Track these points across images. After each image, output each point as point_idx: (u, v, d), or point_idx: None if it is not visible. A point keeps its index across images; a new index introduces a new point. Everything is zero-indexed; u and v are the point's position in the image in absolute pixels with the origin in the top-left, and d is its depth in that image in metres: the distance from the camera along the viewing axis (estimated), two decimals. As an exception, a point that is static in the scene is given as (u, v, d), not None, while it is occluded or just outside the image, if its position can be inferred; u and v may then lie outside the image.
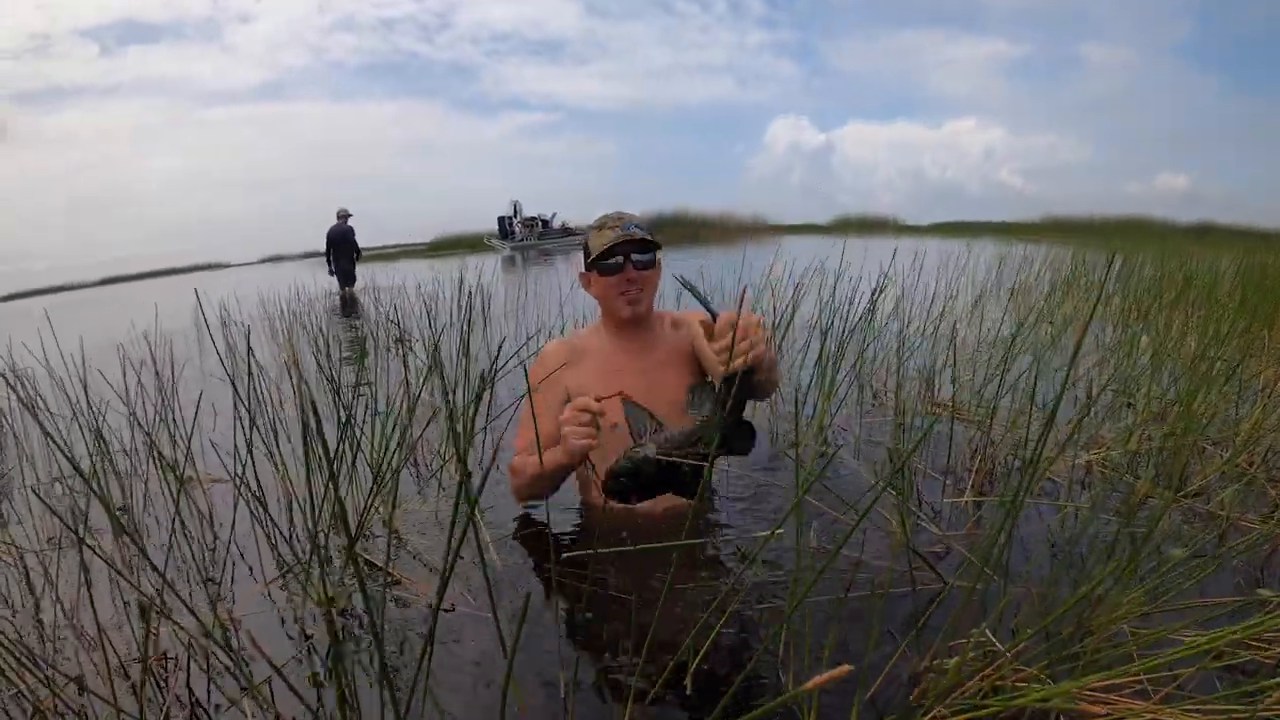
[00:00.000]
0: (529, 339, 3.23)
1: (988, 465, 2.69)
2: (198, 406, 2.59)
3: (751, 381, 1.70)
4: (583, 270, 2.30)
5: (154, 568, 1.64)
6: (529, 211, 32.19)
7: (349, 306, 11.91)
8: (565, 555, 2.18)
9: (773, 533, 1.33)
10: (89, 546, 1.57)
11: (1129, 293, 6.65)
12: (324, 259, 14.90)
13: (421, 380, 2.78)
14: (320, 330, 5.91)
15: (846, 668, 0.60)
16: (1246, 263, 7.71)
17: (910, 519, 2.03)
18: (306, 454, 1.88)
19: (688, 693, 1.52)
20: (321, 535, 2.21)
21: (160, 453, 2.59)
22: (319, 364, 3.55)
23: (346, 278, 14.68)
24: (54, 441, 2.25)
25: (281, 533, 2.29)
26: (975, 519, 2.38)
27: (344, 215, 14.87)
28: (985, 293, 6.30)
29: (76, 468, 1.84)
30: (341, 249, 14.71)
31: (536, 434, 1.82)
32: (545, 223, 32.00)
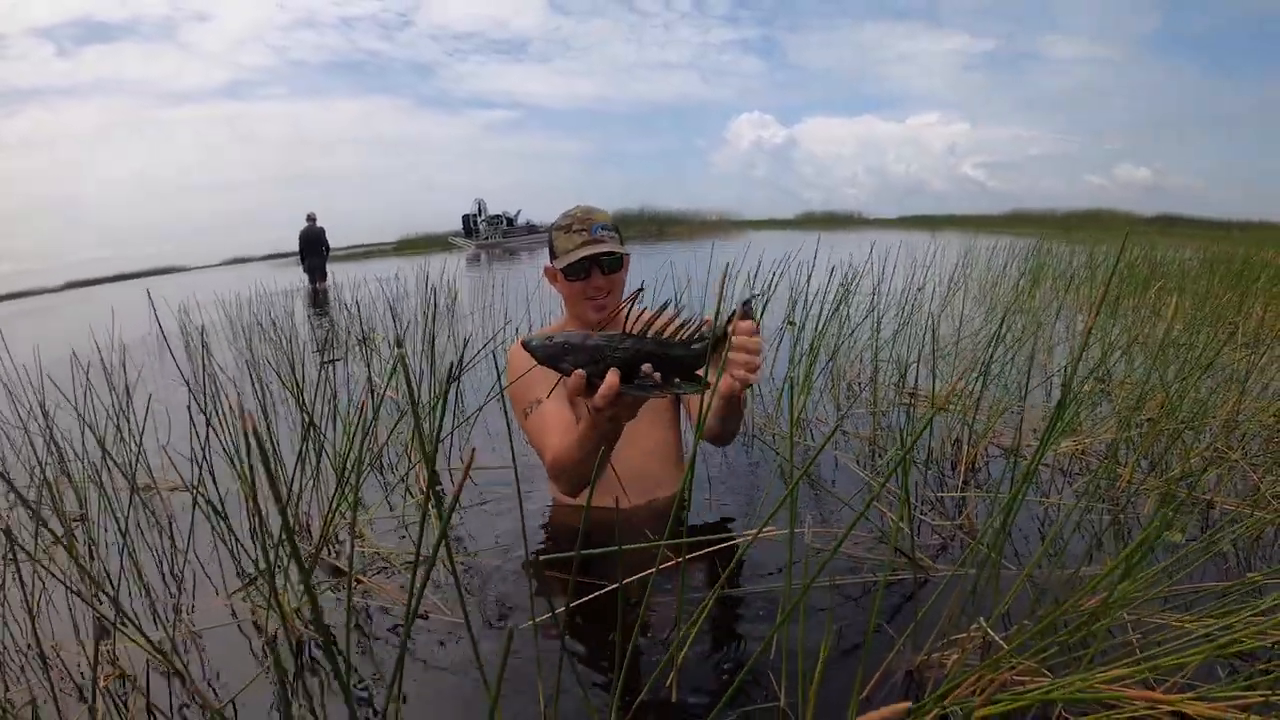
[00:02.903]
0: (496, 333, 3.16)
1: (971, 455, 2.65)
2: (148, 410, 2.49)
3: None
4: (548, 265, 2.22)
5: (97, 584, 1.55)
6: (494, 209, 32.15)
7: (319, 300, 12.53)
8: (544, 557, 2.12)
9: (759, 530, 1.27)
10: (37, 561, 1.49)
11: (1097, 282, 6.70)
12: (296, 259, 16.67)
13: (386, 378, 2.70)
14: (281, 332, 5.80)
15: (905, 705, 0.53)
16: (1210, 253, 7.80)
17: (905, 512, 1.98)
18: (264, 462, 1.80)
19: (673, 700, 1.47)
20: (282, 544, 2.13)
21: (114, 460, 2.49)
22: (279, 368, 3.47)
23: (317, 273, 16.09)
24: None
25: (240, 542, 2.20)
26: (961, 508, 2.34)
27: (312, 218, 16.37)
28: (954, 284, 6.30)
29: (9, 483, 1.75)
30: (313, 248, 16.21)
31: (506, 432, 1.74)
32: (510, 220, 32.00)
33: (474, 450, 1.14)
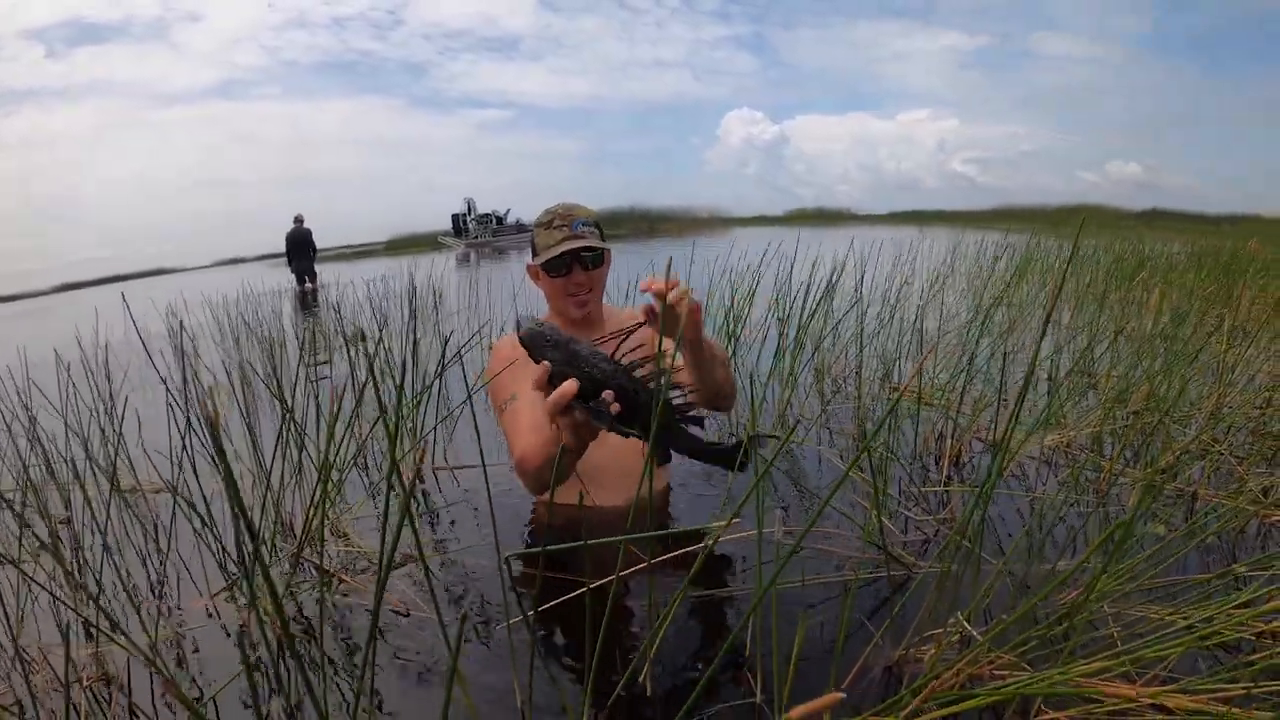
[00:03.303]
0: (479, 329, 3.15)
1: (954, 450, 2.65)
2: (124, 412, 2.47)
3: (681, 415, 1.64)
4: (530, 263, 2.22)
5: (96, 581, 1.54)
6: (483, 208, 32.12)
7: (306, 301, 12.63)
8: (513, 554, 2.12)
9: (729, 520, 1.26)
10: (18, 567, 1.48)
11: (1084, 276, 6.72)
12: (284, 260, 16.71)
13: (366, 377, 2.69)
14: (268, 332, 5.79)
15: (837, 696, 0.53)
16: (1199, 247, 7.83)
17: (881, 505, 1.98)
18: (225, 464, 1.77)
19: (647, 694, 1.47)
20: (264, 544, 2.12)
21: (97, 463, 2.49)
22: (263, 368, 3.46)
23: (305, 274, 16.26)
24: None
25: (221, 543, 2.19)
26: (943, 502, 2.35)
27: (300, 220, 16.48)
28: (941, 278, 6.31)
29: (16, 479, 1.74)
30: (300, 249, 16.34)
31: (473, 432, 1.74)
32: (499, 219, 31.98)
33: (423, 450, 1.13)
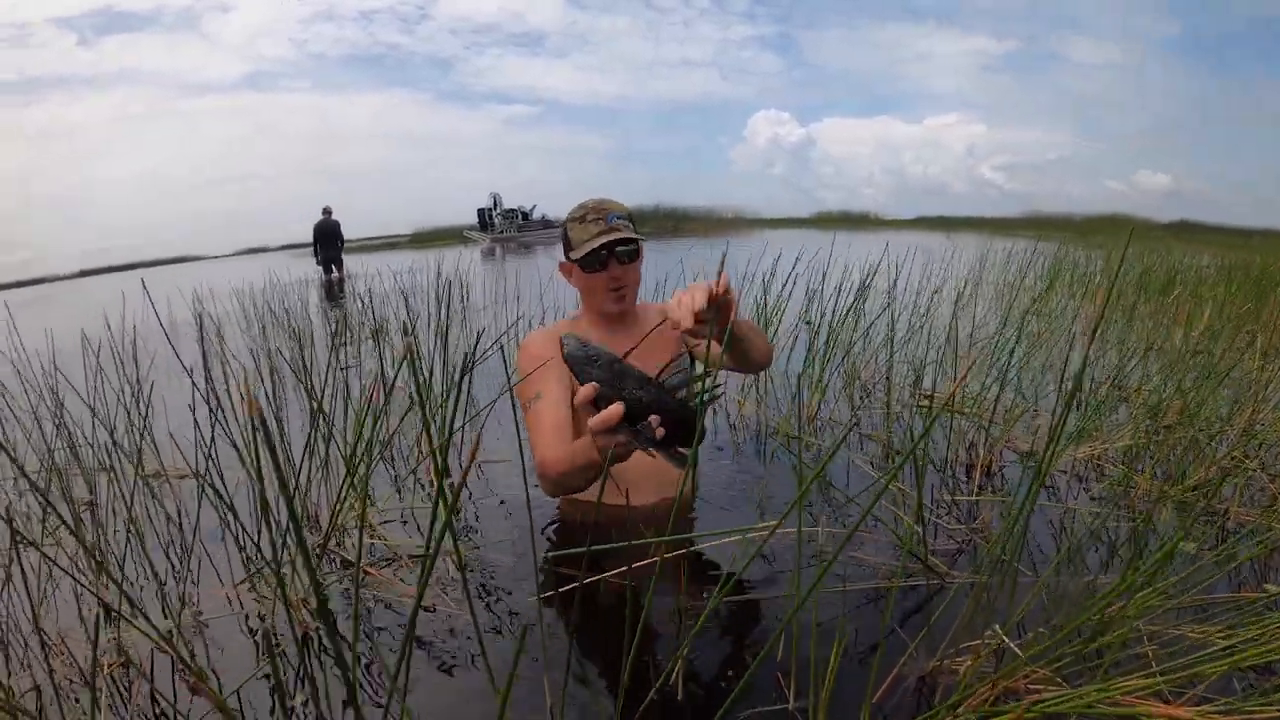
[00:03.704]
0: (510, 327, 3.14)
1: (986, 460, 2.62)
2: (150, 395, 2.47)
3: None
4: (563, 260, 2.19)
5: (104, 570, 1.53)
6: (509, 204, 32.06)
7: (333, 292, 12.68)
8: (554, 554, 2.10)
9: (774, 529, 1.24)
10: (41, 550, 1.47)
11: (1114, 287, 6.65)
12: (310, 251, 17.06)
13: (396, 370, 2.68)
14: (294, 321, 5.79)
15: None
16: (1228, 260, 7.74)
17: (920, 514, 1.95)
18: (270, 450, 1.76)
19: (678, 697, 1.45)
20: (290, 534, 2.11)
21: (121, 447, 2.48)
22: (290, 357, 3.46)
23: (332, 264, 16.53)
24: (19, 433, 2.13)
25: (247, 531, 2.18)
26: (973, 512, 2.32)
27: (328, 211, 16.82)
28: (970, 286, 6.26)
29: (21, 470, 1.74)
30: (328, 240, 16.67)
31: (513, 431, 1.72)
32: (525, 215, 31.89)
33: (479, 438, 1.12)
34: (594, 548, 1.08)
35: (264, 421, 0.96)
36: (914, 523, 1.95)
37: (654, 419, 1.48)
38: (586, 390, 1.47)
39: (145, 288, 2.82)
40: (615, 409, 1.45)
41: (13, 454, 1.88)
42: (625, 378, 1.49)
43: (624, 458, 1.55)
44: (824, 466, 1.20)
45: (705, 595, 1.78)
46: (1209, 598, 1.69)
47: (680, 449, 1.57)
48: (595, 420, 1.47)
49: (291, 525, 0.93)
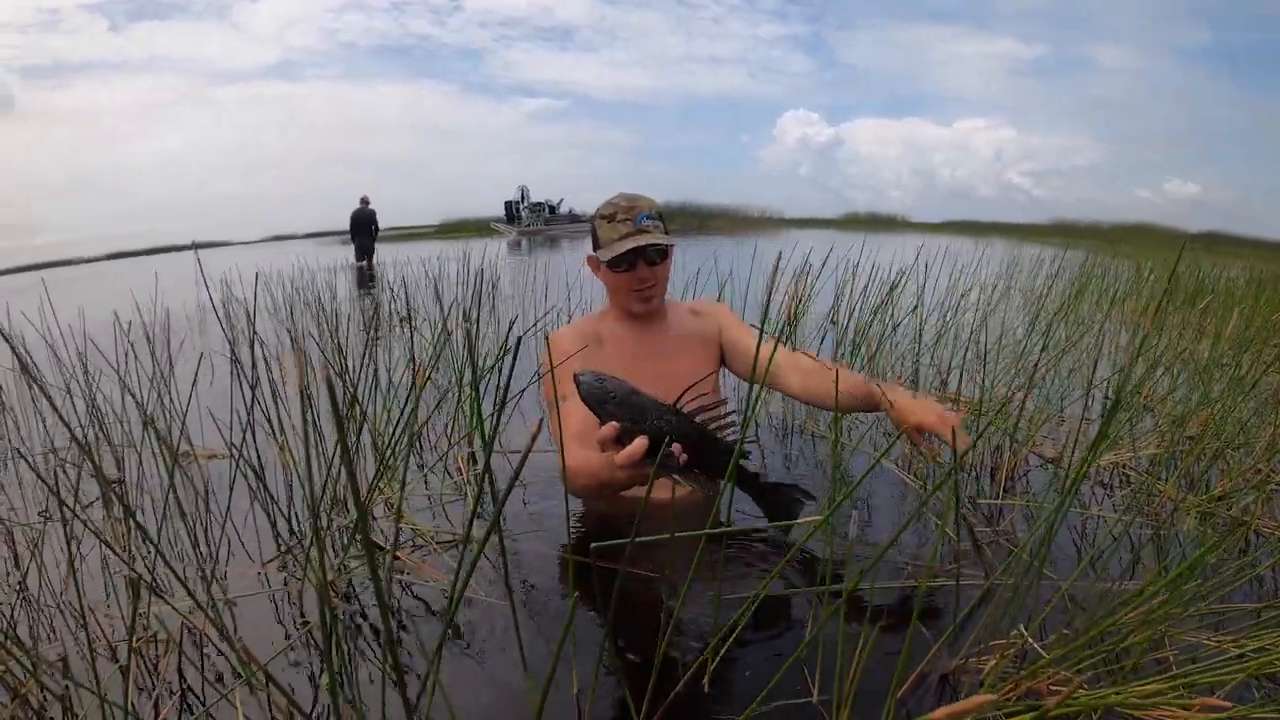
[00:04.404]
0: (542, 316, 3.15)
1: (1011, 464, 2.63)
2: (195, 378, 2.50)
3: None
4: (591, 254, 2.20)
5: (147, 537, 1.55)
6: (536, 197, 32.08)
7: (366, 278, 12.97)
8: (595, 545, 2.10)
9: (817, 525, 1.24)
10: (80, 519, 1.50)
11: (1141, 295, 6.63)
12: (338, 239, 18.23)
13: (431, 359, 2.70)
14: (328, 309, 5.82)
15: (988, 698, 0.53)
16: (1259, 273, 7.68)
17: (954, 515, 1.96)
18: (305, 429, 1.77)
19: (706, 691, 1.46)
20: (323, 515, 2.13)
21: (154, 426, 2.51)
22: (321, 340, 3.48)
23: (365, 252, 17.17)
24: (51, 408, 2.16)
25: (281, 510, 2.21)
26: (997, 516, 2.32)
27: (365, 201, 17.70)
28: (999, 292, 6.24)
29: (74, 436, 1.76)
30: (362, 228, 17.42)
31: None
32: (553, 208, 31.93)
33: (540, 422, 1.14)
34: (640, 538, 1.09)
35: (309, 394, 0.98)
36: (954, 528, 1.95)
37: (676, 447, 1.50)
38: (607, 430, 1.51)
39: (200, 264, 2.85)
40: (638, 445, 1.49)
41: (64, 420, 1.92)
42: (644, 411, 1.52)
43: (641, 483, 1.57)
44: (854, 488, 1.20)
45: (735, 587, 1.78)
46: (1229, 606, 1.70)
47: (700, 471, 1.60)
48: (621, 457, 1.50)
49: (341, 510, 0.95)
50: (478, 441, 2.91)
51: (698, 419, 1.58)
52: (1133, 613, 1.48)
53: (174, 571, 1.59)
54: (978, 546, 2.01)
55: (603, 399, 1.50)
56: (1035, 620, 1.55)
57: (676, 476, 1.53)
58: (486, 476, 1.09)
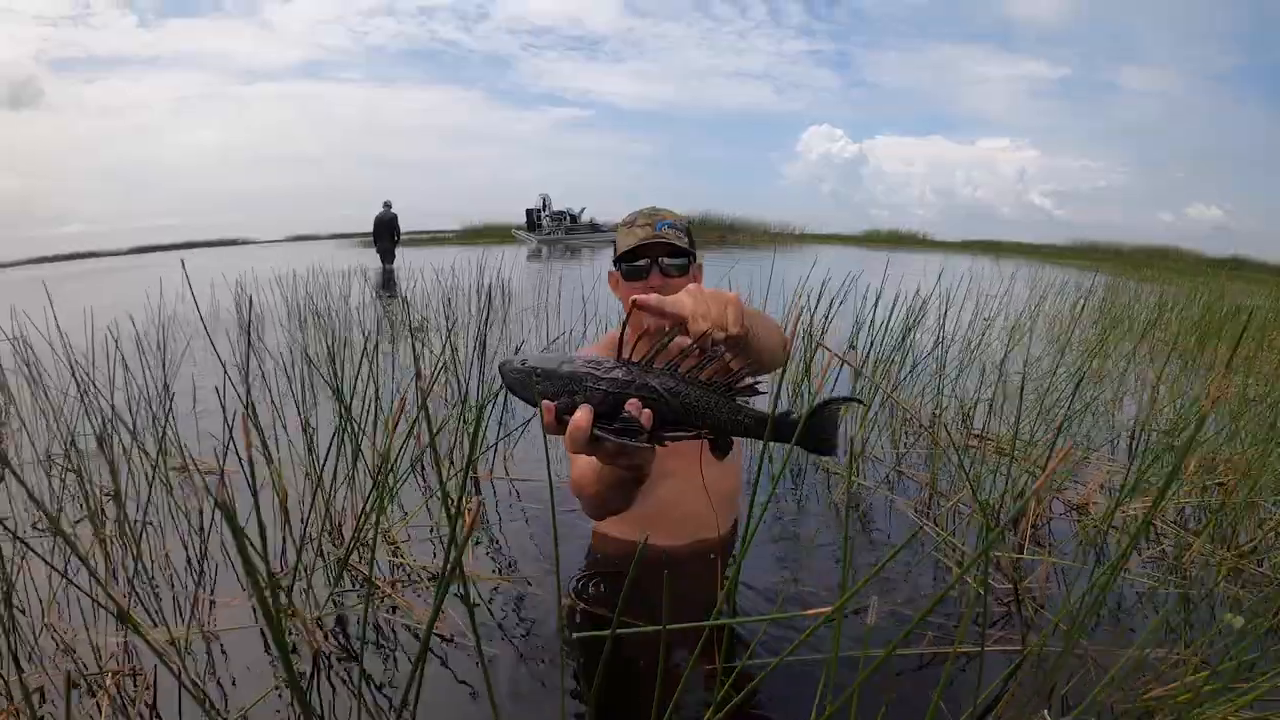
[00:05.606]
0: (552, 341, 3.07)
1: (1035, 513, 2.50)
2: (189, 388, 2.43)
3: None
4: (611, 269, 2.06)
5: (135, 561, 1.48)
6: (558, 205, 32.06)
7: (387, 282, 12.91)
8: (586, 592, 2.01)
9: (825, 618, 1.10)
10: (64, 538, 1.43)
11: (1170, 327, 6.50)
12: (359, 241, 18.66)
13: (432, 377, 2.62)
14: (334, 318, 5.76)
15: None
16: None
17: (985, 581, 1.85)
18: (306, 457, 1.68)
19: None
20: (310, 546, 2.05)
21: (142, 444, 2.44)
22: (319, 360, 3.41)
23: (387, 255, 17.26)
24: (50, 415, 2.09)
25: (266, 542, 2.13)
26: (1019, 570, 2.20)
27: (388, 205, 17.66)
28: (1024, 323, 6.10)
29: (66, 448, 1.69)
30: (385, 232, 17.45)
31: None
32: (574, 217, 31.85)
33: (479, 505, 1.04)
34: (620, 627, 0.99)
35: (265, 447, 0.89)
36: (978, 586, 1.84)
37: (632, 405, 1.19)
38: (546, 415, 1.21)
39: (188, 278, 2.78)
40: (579, 416, 1.17)
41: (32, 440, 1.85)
42: (575, 378, 1.21)
43: (643, 460, 1.29)
44: (881, 568, 1.07)
45: (737, 659, 1.67)
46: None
47: (687, 430, 1.30)
48: (565, 439, 1.20)
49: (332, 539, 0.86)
50: (485, 468, 2.84)
51: (660, 366, 1.27)
52: (1154, 685, 1.38)
53: (155, 600, 1.52)
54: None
55: (525, 382, 1.22)
56: (1058, 693, 1.45)
57: (645, 440, 1.22)
58: (458, 520, 0.98)
